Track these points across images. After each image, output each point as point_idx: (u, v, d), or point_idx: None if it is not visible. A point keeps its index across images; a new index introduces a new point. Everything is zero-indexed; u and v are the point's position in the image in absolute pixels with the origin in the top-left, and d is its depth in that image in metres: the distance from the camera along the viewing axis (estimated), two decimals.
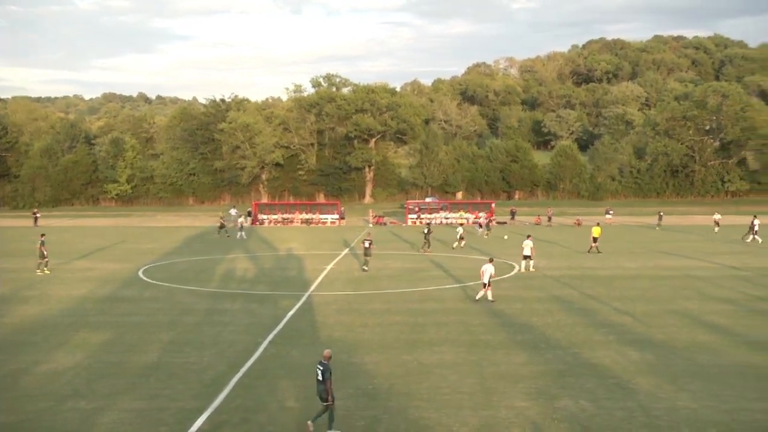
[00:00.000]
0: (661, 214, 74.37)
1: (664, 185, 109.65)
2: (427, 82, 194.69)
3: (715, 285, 36.32)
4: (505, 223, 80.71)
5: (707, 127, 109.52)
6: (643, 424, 17.08)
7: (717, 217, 69.37)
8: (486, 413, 17.98)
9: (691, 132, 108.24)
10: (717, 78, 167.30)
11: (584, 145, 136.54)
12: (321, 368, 17.06)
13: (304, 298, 33.41)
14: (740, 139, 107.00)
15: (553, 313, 29.54)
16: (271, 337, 25.95)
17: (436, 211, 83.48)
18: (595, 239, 51.44)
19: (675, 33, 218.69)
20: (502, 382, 20.31)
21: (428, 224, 60.53)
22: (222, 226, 67.57)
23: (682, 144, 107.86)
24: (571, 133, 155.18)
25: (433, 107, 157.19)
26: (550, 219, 79.47)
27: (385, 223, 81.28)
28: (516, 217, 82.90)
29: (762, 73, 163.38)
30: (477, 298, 32.59)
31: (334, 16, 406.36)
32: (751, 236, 57.57)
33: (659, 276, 39.78)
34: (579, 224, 77.75)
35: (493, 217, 71.91)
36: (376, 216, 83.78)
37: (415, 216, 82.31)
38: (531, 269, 41.64)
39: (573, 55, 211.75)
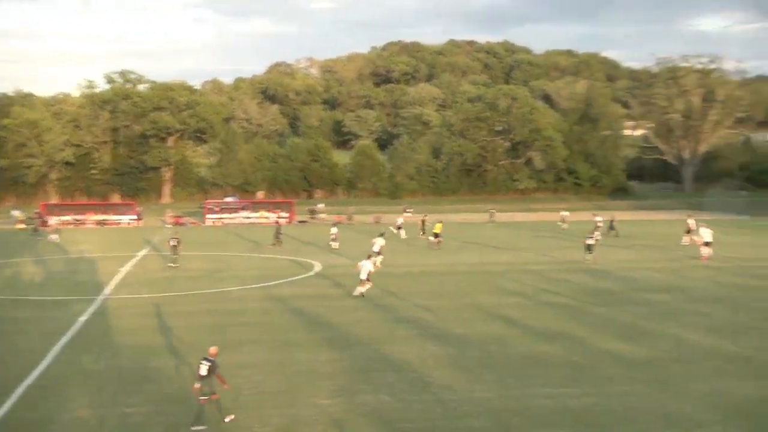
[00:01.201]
0: (492, 210, 77.69)
1: (459, 184, 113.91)
2: (227, 80, 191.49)
3: (510, 279, 38.12)
4: (306, 222, 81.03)
5: (498, 128, 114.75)
6: (440, 415, 17.57)
7: (565, 213, 70.91)
8: (288, 412, 17.86)
9: (483, 133, 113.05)
10: (507, 81, 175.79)
11: (383, 144, 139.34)
12: (207, 364, 17.10)
13: (98, 303, 31.88)
14: (528, 140, 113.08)
15: (357, 311, 29.89)
16: (61, 343, 24.54)
17: (237, 210, 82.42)
18: (436, 234, 52.84)
19: (468, 38, 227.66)
20: (305, 381, 20.26)
21: (277, 223, 59.80)
22: (35, 228, 64.60)
23: (475, 144, 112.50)
24: (371, 133, 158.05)
25: (233, 106, 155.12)
26: (350, 218, 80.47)
27: (184, 224, 79.23)
28: (317, 216, 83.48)
29: (546, 77, 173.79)
30: (355, 294, 32.76)
31: (130, 10, 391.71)
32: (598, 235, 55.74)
33: (460, 272, 41.27)
34: (378, 222, 79.27)
35: (426, 218, 67.29)
36: (174, 216, 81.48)
37: (215, 216, 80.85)
38: (378, 265, 42.20)
39: (372, 56, 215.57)
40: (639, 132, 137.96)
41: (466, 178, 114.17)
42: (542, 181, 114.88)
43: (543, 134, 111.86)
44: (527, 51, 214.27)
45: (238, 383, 19.87)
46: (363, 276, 32.77)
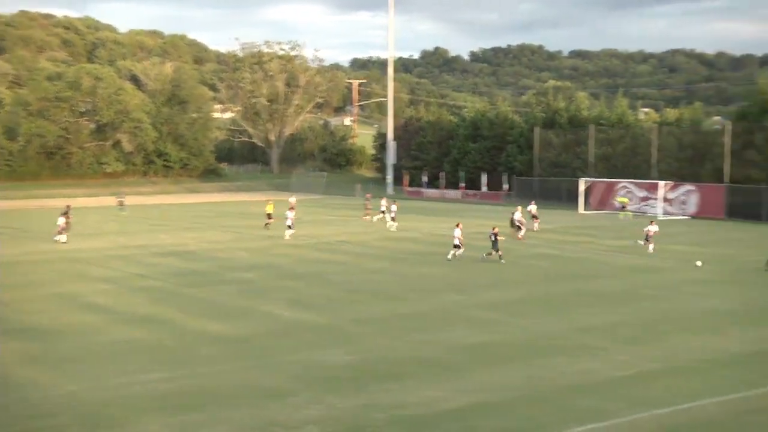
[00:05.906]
0: (122, 199, 72.64)
1: (40, 168, 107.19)
2: None
3: (98, 266, 36.68)
4: None
5: (83, 109, 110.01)
6: (25, 416, 16.25)
7: (292, 200, 60.66)
8: None
9: (65, 113, 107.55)
10: (90, 60, 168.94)
11: None
12: None
13: None
14: (115, 122, 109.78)
15: None
16: None
17: None
18: (269, 215, 51.85)
19: (43, 11, 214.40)
20: None
21: (68, 206, 51.10)
22: None
23: (57, 125, 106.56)
24: None
25: None
26: None
27: None
28: None
29: (132, 58, 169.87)
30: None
31: None
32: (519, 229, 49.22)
33: (42, 260, 38.80)
34: None
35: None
36: None
37: None
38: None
39: None
40: (228, 115, 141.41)
41: (47, 161, 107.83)
42: (131, 163, 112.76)
43: (131, 116, 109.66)
44: (111, 29, 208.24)
45: None
46: (456, 242, 37.14)
